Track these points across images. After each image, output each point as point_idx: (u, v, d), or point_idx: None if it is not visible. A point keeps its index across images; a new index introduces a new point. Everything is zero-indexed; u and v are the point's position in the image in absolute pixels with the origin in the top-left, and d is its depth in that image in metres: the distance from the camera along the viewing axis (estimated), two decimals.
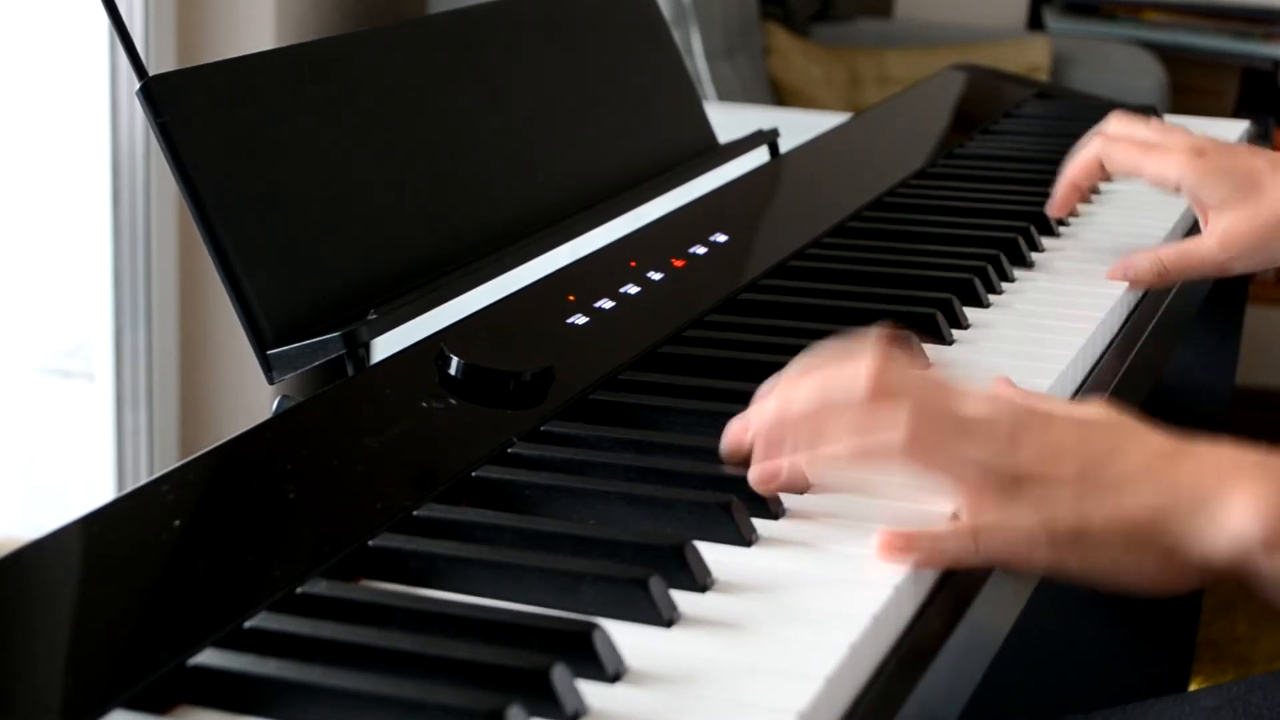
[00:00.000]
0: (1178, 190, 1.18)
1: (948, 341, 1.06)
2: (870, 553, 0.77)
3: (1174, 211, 1.39)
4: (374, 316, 0.98)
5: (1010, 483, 0.78)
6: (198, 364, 2.56)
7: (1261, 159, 1.15)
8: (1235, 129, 1.72)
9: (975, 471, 0.78)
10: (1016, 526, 0.78)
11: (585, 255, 1.14)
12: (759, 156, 1.46)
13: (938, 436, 0.78)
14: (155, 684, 0.64)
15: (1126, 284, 1.18)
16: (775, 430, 0.81)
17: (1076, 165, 1.24)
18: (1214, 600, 2.42)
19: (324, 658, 0.66)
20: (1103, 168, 1.21)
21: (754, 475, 0.81)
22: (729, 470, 0.83)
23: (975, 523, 0.78)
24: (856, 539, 0.79)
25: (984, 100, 1.80)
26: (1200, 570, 0.78)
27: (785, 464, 0.81)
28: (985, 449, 0.78)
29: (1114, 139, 1.21)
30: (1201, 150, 1.16)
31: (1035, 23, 3.66)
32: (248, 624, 0.68)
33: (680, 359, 1.00)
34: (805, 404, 0.80)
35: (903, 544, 0.77)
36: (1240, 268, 1.17)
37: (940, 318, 1.07)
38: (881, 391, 0.78)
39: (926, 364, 0.98)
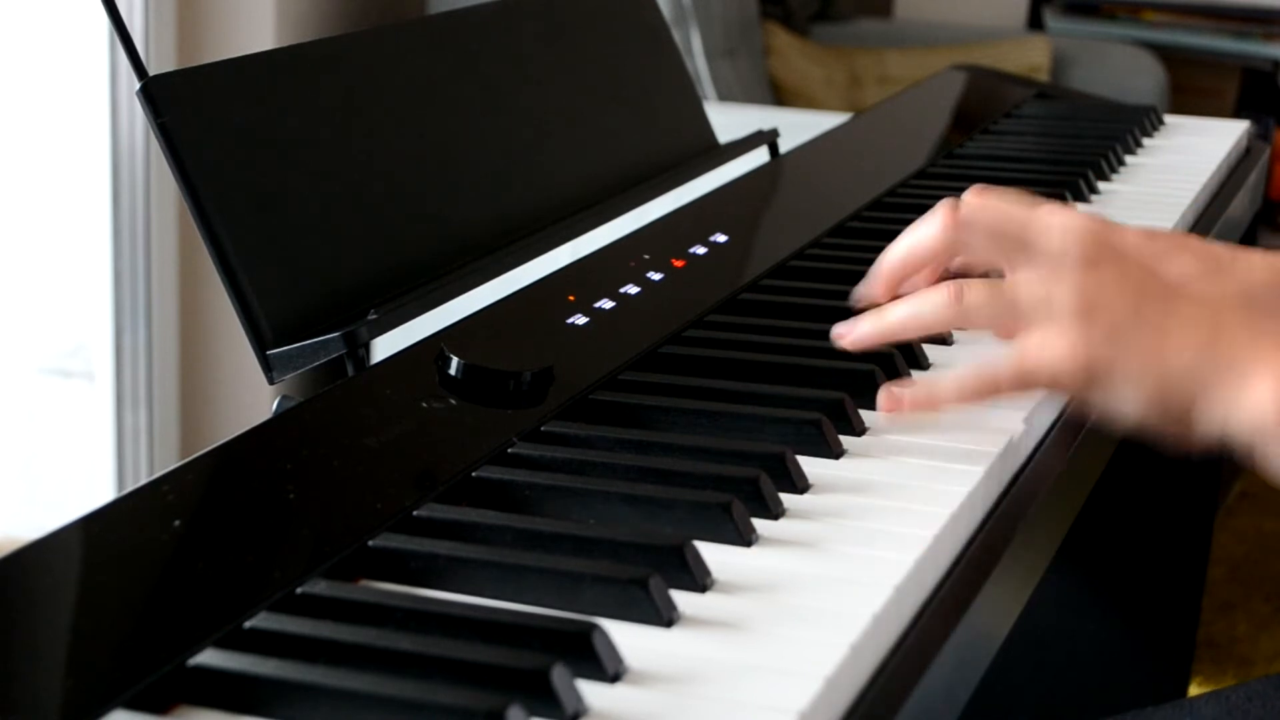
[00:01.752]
0: None
1: (948, 341, 1.06)
2: (870, 553, 0.77)
3: (1174, 212, 1.39)
4: (374, 316, 0.98)
5: (1054, 317, 0.85)
6: (198, 364, 2.56)
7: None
8: (1235, 129, 1.72)
9: (1014, 313, 0.87)
10: (1045, 365, 0.84)
11: (585, 255, 1.14)
12: (759, 156, 1.46)
13: (982, 293, 0.88)
14: (155, 684, 0.64)
15: None
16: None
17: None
18: (1214, 600, 2.43)
19: (324, 658, 0.66)
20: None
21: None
22: (729, 470, 0.83)
23: (995, 363, 0.86)
24: (856, 539, 0.79)
25: (984, 100, 1.80)
26: (1215, 437, 0.81)
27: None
28: (1038, 280, 0.86)
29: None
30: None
31: (1035, 23, 3.66)
32: (248, 624, 0.68)
33: (680, 359, 1.00)
34: (893, 263, 0.97)
35: (901, 399, 0.89)
36: None
37: None
38: (951, 228, 0.91)
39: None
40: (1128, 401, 0.83)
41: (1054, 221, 0.88)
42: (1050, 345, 0.85)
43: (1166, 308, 0.83)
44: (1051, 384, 0.86)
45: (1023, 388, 0.88)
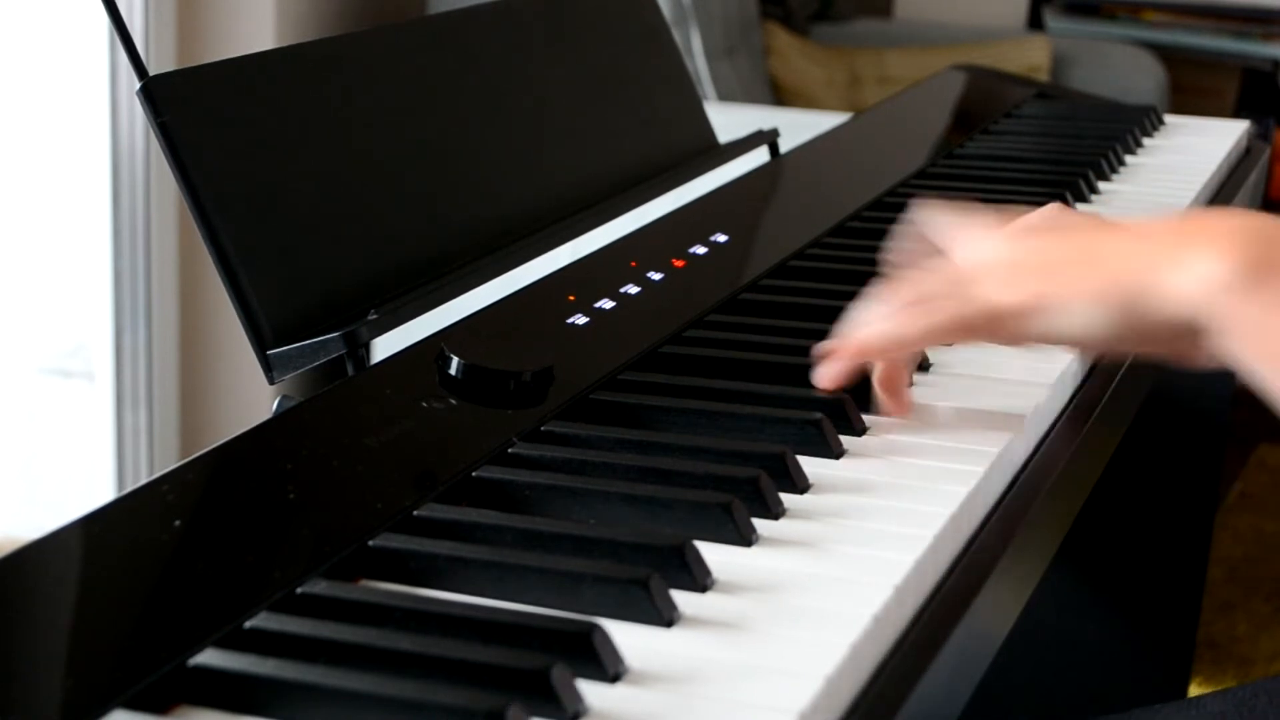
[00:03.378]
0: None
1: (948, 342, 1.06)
2: (870, 553, 0.77)
3: (1174, 212, 1.39)
4: (374, 316, 0.98)
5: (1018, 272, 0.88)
6: (198, 364, 2.56)
7: None
8: (1235, 129, 1.72)
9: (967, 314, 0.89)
10: (986, 303, 0.87)
11: (585, 255, 1.14)
12: (759, 156, 1.46)
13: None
14: (155, 684, 0.64)
15: None
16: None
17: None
18: (1214, 600, 2.43)
19: (324, 658, 0.66)
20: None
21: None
22: (729, 470, 0.83)
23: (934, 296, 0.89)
24: (856, 539, 0.79)
25: (984, 100, 1.80)
26: (1169, 329, 0.82)
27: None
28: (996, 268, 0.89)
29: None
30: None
31: (1035, 23, 3.66)
32: (248, 624, 0.68)
33: (680, 359, 1.00)
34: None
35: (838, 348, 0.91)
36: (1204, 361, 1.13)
37: None
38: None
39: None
40: (1083, 319, 0.85)
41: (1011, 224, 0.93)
42: (996, 286, 0.88)
43: (1092, 236, 0.89)
44: (1001, 318, 0.87)
45: (987, 330, 0.88)
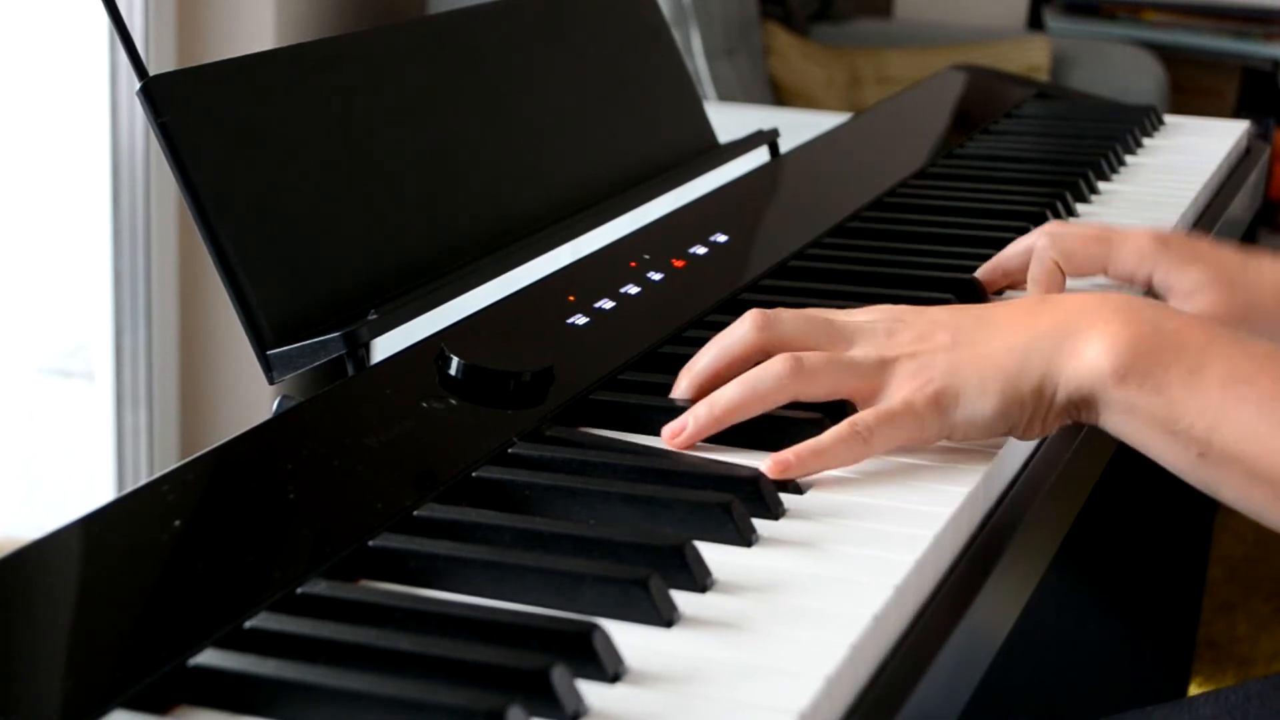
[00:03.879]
0: (1147, 282, 1.12)
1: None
2: (870, 553, 0.77)
3: (1174, 212, 1.39)
4: (374, 316, 0.98)
5: (889, 366, 0.88)
6: (198, 364, 2.56)
7: (1228, 249, 1.12)
8: (1235, 129, 1.72)
9: (855, 372, 0.88)
10: (900, 403, 0.86)
11: (585, 255, 1.14)
12: (759, 156, 1.46)
13: (819, 357, 0.88)
14: (155, 684, 0.64)
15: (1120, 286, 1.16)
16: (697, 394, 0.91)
17: (1012, 253, 1.14)
18: (1214, 600, 2.43)
19: (324, 658, 0.66)
20: (1058, 268, 1.09)
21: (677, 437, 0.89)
22: (729, 470, 0.83)
23: (857, 417, 0.86)
24: (856, 539, 0.79)
25: (984, 100, 1.80)
26: (1063, 410, 0.86)
27: (692, 417, 0.88)
28: (865, 347, 0.89)
29: (1063, 235, 1.13)
30: (1165, 239, 1.12)
31: (1035, 23, 3.66)
32: (248, 624, 0.68)
33: (680, 359, 1.00)
34: (705, 366, 0.92)
35: (789, 462, 0.84)
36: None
37: None
38: (763, 327, 0.91)
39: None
40: (982, 410, 0.86)
41: (855, 310, 0.93)
42: (900, 389, 0.87)
43: (982, 324, 0.89)
44: (909, 424, 0.86)
45: (889, 430, 0.86)
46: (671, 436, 0.88)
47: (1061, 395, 0.86)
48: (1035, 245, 1.12)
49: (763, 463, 0.84)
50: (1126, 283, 1.13)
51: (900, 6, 3.79)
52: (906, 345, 0.89)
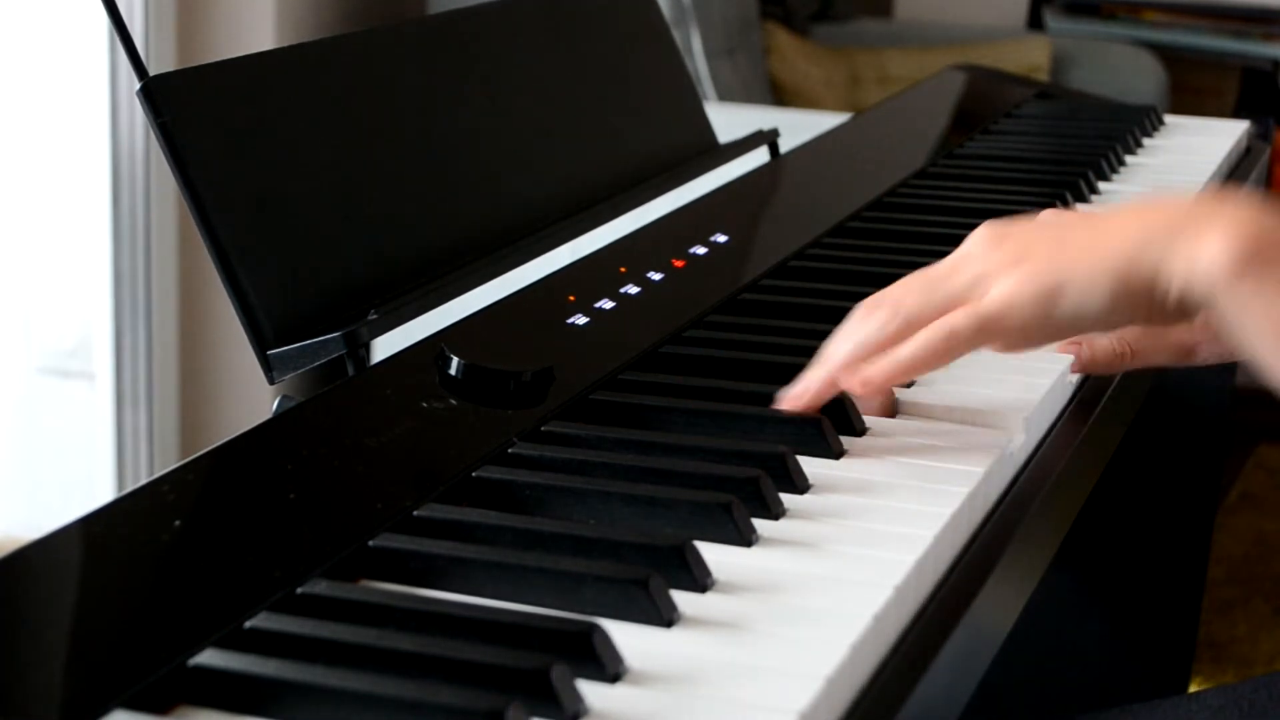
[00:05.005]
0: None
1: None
2: (870, 553, 0.77)
3: None
4: (374, 316, 0.98)
5: (990, 279, 0.87)
6: (198, 364, 2.56)
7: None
8: (1235, 129, 1.72)
9: (971, 279, 0.87)
10: (999, 301, 0.86)
11: (586, 255, 1.14)
12: (759, 156, 1.46)
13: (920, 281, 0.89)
14: (155, 684, 0.64)
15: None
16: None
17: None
18: (1214, 600, 2.43)
19: (324, 658, 0.66)
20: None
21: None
22: (729, 470, 0.83)
23: (948, 317, 0.87)
24: (856, 539, 0.79)
25: (984, 100, 1.80)
26: (1175, 308, 0.84)
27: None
28: (965, 272, 0.88)
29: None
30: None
31: (1035, 23, 3.66)
32: (248, 624, 0.68)
33: (680, 359, 1.00)
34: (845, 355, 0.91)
35: (872, 378, 0.89)
36: (1205, 355, 1.08)
37: None
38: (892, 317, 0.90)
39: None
40: (1091, 303, 0.85)
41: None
42: (1001, 288, 0.87)
43: (1089, 221, 0.89)
44: (1012, 321, 0.86)
45: (985, 335, 0.87)
46: (792, 399, 0.90)
47: (1175, 290, 0.83)
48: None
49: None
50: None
51: (900, 6, 3.79)
52: (1008, 248, 0.88)
